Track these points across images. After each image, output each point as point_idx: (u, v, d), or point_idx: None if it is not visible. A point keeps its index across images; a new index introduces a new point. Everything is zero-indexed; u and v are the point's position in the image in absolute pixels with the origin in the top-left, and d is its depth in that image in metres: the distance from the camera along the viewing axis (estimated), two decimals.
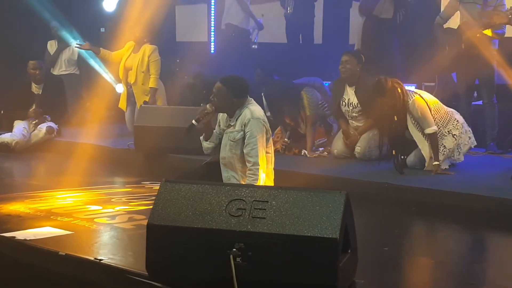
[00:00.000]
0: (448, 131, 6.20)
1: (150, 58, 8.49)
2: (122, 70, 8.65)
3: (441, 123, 6.20)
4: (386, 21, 8.18)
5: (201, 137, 5.26)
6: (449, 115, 6.28)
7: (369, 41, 8.20)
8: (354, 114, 6.93)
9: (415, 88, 7.42)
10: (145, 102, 8.31)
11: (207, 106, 5.10)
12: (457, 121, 6.28)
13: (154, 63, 8.51)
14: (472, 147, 6.47)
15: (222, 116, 5.21)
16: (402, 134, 6.22)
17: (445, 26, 7.36)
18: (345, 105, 6.95)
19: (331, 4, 9.98)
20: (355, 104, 6.88)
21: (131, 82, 8.57)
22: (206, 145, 5.24)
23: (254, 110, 5.03)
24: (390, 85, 6.09)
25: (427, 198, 5.45)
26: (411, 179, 5.92)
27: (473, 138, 6.43)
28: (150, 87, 8.47)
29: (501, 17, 6.84)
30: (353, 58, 6.82)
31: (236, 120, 5.05)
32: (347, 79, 6.88)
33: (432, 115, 6.15)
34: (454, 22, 7.38)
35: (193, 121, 5.11)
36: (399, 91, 6.08)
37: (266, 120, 5.08)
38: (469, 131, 6.42)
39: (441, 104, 6.35)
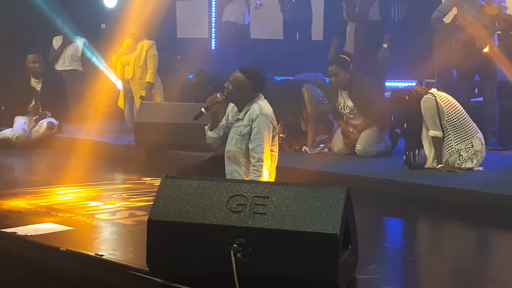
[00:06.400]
0: (457, 150, 6.00)
1: (147, 53, 8.50)
2: (120, 67, 8.64)
3: (453, 137, 6.01)
4: (377, 23, 8.11)
5: (206, 127, 5.24)
6: (468, 135, 6.01)
7: (363, 45, 8.01)
8: (351, 116, 6.93)
9: (416, 84, 7.41)
10: (141, 97, 8.31)
11: (217, 95, 5.07)
12: (472, 145, 5.99)
13: (152, 58, 8.51)
14: (474, 169, 5.99)
15: (231, 109, 5.20)
16: (418, 134, 6.18)
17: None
18: (341, 108, 6.93)
19: (332, 0, 9.94)
20: (351, 107, 6.86)
21: (129, 77, 8.57)
22: (210, 134, 5.21)
23: (263, 106, 5.02)
24: (397, 95, 6.29)
25: (428, 195, 5.44)
26: (412, 175, 5.92)
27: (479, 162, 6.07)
28: (146, 82, 8.47)
29: (492, 8, 6.85)
30: (340, 68, 6.69)
31: (245, 115, 5.04)
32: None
33: (443, 124, 6.01)
34: (448, 17, 7.35)
35: (202, 109, 5.09)
36: (407, 98, 6.13)
37: (274, 117, 5.06)
38: (481, 157, 6.06)
39: (465, 120, 6.05)
